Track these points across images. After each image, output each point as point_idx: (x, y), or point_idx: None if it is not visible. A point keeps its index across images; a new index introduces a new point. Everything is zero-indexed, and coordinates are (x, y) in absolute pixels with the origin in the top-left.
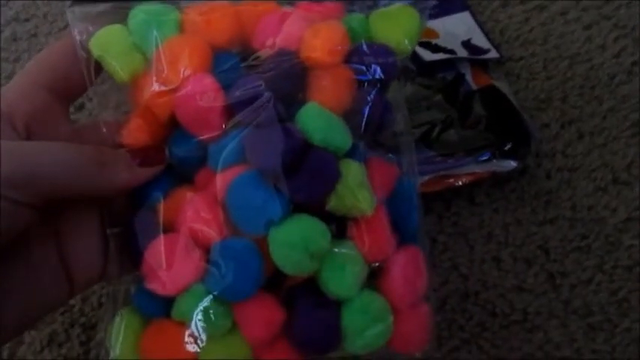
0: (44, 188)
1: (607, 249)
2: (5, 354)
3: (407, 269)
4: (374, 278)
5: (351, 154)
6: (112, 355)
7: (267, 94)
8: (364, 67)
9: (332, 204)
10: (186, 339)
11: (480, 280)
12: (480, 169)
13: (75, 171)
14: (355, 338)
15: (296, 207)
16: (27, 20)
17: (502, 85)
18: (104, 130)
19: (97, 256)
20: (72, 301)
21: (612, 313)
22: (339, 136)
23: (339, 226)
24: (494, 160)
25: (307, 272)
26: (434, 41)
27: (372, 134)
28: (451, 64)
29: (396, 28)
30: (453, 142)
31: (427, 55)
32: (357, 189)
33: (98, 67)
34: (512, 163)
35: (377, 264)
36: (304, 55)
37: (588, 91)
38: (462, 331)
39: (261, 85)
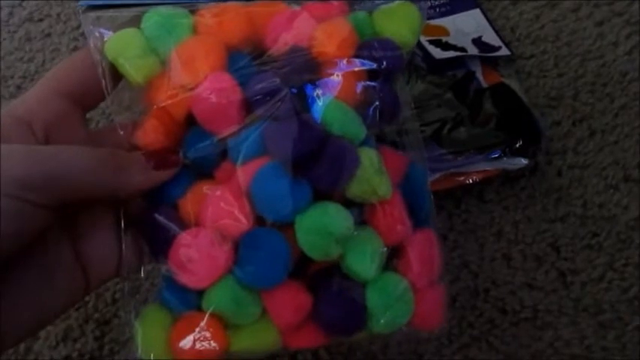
0: (60, 190)
1: (618, 247)
2: (21, 348)
3: (423, 250)
4: (392, 260)
5: (366, 143)
6: (140, 352)
7: (283, 89)
8: (372, 61)
9: (352, 190)
10: (218, 329)
11: (490, 277)
12: (490, 167)
13: (90, 174)
14: (379, 317)
15: (317, 195)
16: (41, 20)
17: (513, 83)
18: (120, 132)
19: (111, 254)
20: (86, 298)
21: (623, 311)
22: (354, 126)
23: (358, 211)
24: (505, 158)
25: (332, 257)
26: (444, 39)
27: (382, 124)
28: (461, 61)
29: (399, 23)
30: (463, 139)
31: (437, 53)
32: (375, 175)
33: (117, 75)
34: (523, 161)
35: (394, 247)
36: (317, 51)
37: (600, 89)
38: (471, 328)
39: (276, 80)
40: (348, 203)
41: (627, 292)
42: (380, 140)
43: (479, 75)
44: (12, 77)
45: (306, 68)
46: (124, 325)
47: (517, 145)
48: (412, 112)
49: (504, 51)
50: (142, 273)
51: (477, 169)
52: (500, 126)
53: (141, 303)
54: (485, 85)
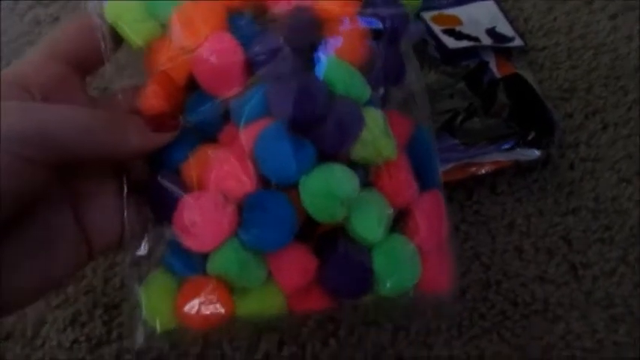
0: (57, 148)
1: (630, 241)
2: (29, 332)
3: (430, 213)
4: (398, 223)
5: (370, 104)
6: (145, 318)
7: (286, 49)
8: (376, 19)
9: (357, 152)
10: (223, 293)
11: (502, 269)
12: (502, 158)
13: (87, 132)
14: (386, 280)
15: (321, 157)
16: (49, 4)
17: (526, 74)
18: (120, 97)
19: (114, 221)
20: (95, 282)
21: (635, 305)
22: (359, 86)
23: (363, 173)
24: (518, 149)
25: (337, 219)
26: (457, 28)
27: (387, 85)
28: (475, 52)
29: None
30: (476, 130)
31: (451, 43)
32: (380, 135)
33: (117, 39)
34: (536, 152)
35: (400, 209)
36: (319, 9)
37: (613, 82)
38: (483, 319)
39: (279, 40)
40: (353, 165)
41: (639, 287)
42: (384, 102)
43: (492, 66)
44: None
45: (309, 27)
46: (128, 293)
47: (530, 137)
48: (418, 73)
49: (518, 42)
50: (145, 241)
51: (489, 160)
52: (513, 117)
53: (144, 271)
54: (498, 75)
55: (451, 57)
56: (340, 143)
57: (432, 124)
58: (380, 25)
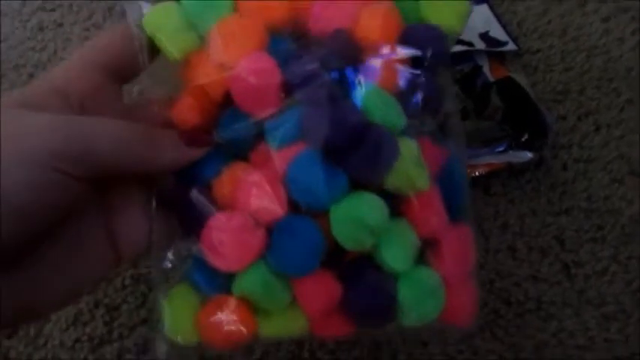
0: (96, 162)
1: (622, 240)
2: (32, 332)
3: (458, 245)
4: (425, 254)
5: (405, 133)
6: (168, 331)
7: (324, 73)
8: (416, 47)
9: (389, 181)
10: (246, 313)
11: (495, 269)
12: (496, 160)
13: (124, 147)
14: (411, 311)
15: (353, 185)
16: (53, 10)
17: (519, 78)
18: (155, 108)
19: (142, 232)
20: None
21: (626, 303)
22: (395, 115)
23: (393, 203)
24: (511, 151)
25: (366, 247)
26: None
27: (423, 115)
28: (469, 56)
29: (445, 10)
30: (469, 133)
31: None
32: (414, 166)
33: (154, 50)
34: (529, 155)
35: (428, 240)
36: (360, 36)
37: (606, 84)
38: (476, 318)
39: (317, 64)
40: (384, 194)
41: (631, 285)
42: (419, 132)
43: (486, 70)
44: (24, 66)
45: (348, 53)
46: (155, 305)
47: (523, 139)
48: (455, 105)
49: (511, 46)
50: (171, 254)
51: (482, 162)
52: (506, 120)
53: (168, 284)
54: (491, 79)
55: None
56: (373, 172)
57: (465, 157)
58: (419, 53)
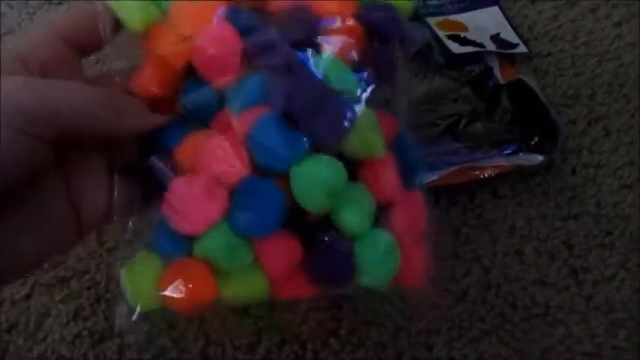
0: (60, 124)
1: (631, 246)
2: (32, 325)
3: (410, 209)
4: (380, 219)
5: (361, 101)
6: (129, 299)
7: (283, 42)
8: (371, 22)
9: (347, 146)
10: (208, 276)
11: (503, 272)
12: (505, 162)
13: (89, 109)
14: (368, 271)
15: (313, 149)
16: (59, 3)
17: (530, 80)
18: (117, 79)
19: (103, 198)
20: (97, 278)
21: (634, 310)
22: (351, 83)
23: (351, 168)
24: (520, 154)
25: (325, 209)
26: (462, 34)
27: (377, 86)
28: (479, 57)
29: None
30: (479, 134)
31: (456, 48)
32: (370, 132)
33: (116, 23)
34: (538, 158)
35: (383, 204)
36: (317, 9)
37: (617, 89)
38: (482, 322)
39: (276, 33)
40: (343, 159)
41: (639, 292)
42: (374, 101)
43: (496, 71)
44: None
45: (306, 25)
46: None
47: (533, 142)
48: (408, 77)
49: (522, 48)
50: (132, 222)
51: (492, 164)
52: (516, 122)
53: (130, 251)
54: (502, 81)
55: (456, 62)
56: (332, 136)
57: (418, 131)
58: (373, 26)
